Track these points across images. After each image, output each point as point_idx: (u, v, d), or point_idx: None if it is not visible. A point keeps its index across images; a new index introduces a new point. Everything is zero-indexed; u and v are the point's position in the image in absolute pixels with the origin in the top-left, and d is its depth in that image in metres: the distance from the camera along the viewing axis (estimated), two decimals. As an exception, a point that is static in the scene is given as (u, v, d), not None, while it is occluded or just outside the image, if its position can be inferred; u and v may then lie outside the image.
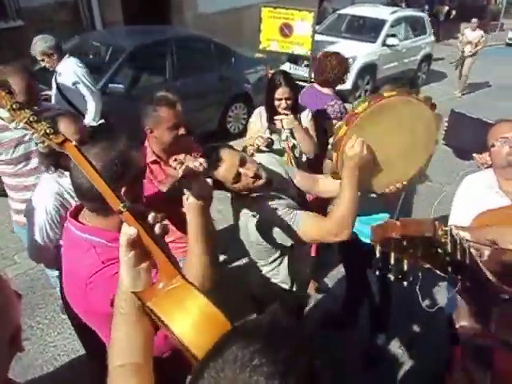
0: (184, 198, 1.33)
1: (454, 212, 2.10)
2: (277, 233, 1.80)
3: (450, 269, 0.83)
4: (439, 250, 0.82)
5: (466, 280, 0.86)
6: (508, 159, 1.92)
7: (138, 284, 0.95)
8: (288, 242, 1.83)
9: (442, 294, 0.99)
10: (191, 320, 0.84)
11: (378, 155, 1.67)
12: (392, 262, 1.04)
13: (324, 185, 2.07)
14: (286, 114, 2.77)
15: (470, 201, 2.01)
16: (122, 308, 0.98)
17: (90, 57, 6.11)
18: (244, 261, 3.16)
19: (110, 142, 1.39)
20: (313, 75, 3.48)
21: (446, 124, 2.46)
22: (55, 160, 1.98)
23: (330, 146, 1.72)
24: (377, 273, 1.30)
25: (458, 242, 0.84)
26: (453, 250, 0.82)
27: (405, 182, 1.80)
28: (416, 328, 3.22)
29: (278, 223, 1.78)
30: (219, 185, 1.80)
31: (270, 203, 1.84)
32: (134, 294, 0.93)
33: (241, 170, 1.77)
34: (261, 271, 2.06)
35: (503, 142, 1.93)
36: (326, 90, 3.40)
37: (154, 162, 2.31)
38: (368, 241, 2.48)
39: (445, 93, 9.36)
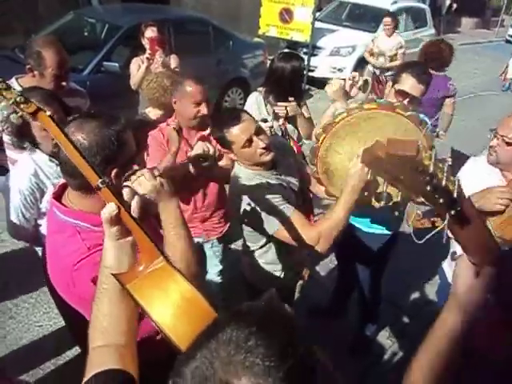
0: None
1: None
2: (261, 220, 1.76)
3: (428, 188, 0.80)
4: (425, 177, 0.80)
5: (451, 212, 0.83)
6: (489, 158, 1.95)
7: (122, 259, 0.91)
8: (267, 233, 1.80)
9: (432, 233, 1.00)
10: (172, 307, 0.80)
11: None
12: (384, 188, 1.03)
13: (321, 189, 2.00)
14: (289, 101, 2.73)
15: (472, 179, 2.01)
16: (105, 283, 0.93)
17: (85, 34, 5.98)
18: (238, 244, 3.13)
19: (108, 119, 1.31)
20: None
21: (449, 161, 2.47)
22: (28, 138, 1.93)
23: (309, 154, 1.70)
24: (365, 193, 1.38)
25: (447, 175, 0.82)
26: (436, 173, 0.80)
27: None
28: (405, 319, 3.23)
29: (266, 210, 1.74)
30: (225, 144, 1.80)
31: (267, 186, 1.81)
32: (113, 276, 0.88)
33: (255, 137, 1.75)
34: (252, 255, 2.03)
35: (494, 135, 1.94)
36: (441, 73, 3.74)
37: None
38: (363, 234, 2.51)
39: (443, 87, 9.32)
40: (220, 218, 2.57)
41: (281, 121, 2.78)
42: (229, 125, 1.75)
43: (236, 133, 1.74)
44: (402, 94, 2.23)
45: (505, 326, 0.96)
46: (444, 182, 0.79)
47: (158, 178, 1.22)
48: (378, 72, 6.12)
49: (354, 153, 1.56)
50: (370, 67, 6.32)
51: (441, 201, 0.80)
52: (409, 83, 2.22)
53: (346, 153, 1.60)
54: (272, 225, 1.75)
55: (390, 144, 0.87)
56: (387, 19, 6.12)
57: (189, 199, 2.39)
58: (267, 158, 1.80)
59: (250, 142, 1.75)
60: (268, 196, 1.75)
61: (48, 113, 0.90)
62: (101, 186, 0.87)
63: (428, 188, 0.79)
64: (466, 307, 0.92)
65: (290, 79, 2.76)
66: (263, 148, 1.76)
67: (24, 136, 1.93)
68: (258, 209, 1.75)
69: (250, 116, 1.83)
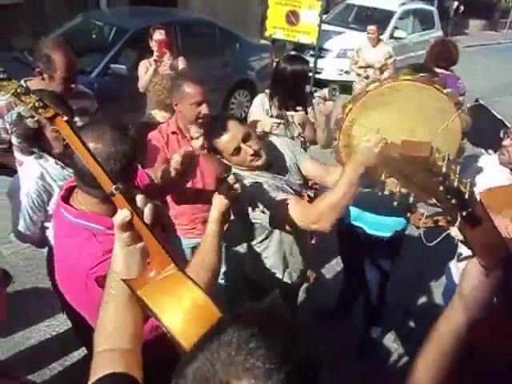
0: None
1: None
2: (258, 210, 1.76)
3: (441, 188, 0.80)
4: (438, 178, 0.80)
5: (462, 213, 0.82)
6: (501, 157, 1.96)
7: (132, 265, 0.92)
8: (267, 223, 1.79)
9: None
10: (183, 313, 0.81)
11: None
12: (397, 189, 1.03)
13: (335, 178, 1.92)
14: (297, 110, 2.74)
15: (481, 177, 2.01)
16: (113, 289, 0.94)
17: (93, 36, 6.02)
18: (243, 246, 3.14)
19: (121, 125, 1.32)
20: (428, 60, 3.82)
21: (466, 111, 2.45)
22: (37, 142, 1.94)
23: (333, 125, 1.60)
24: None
25: (457, 177, 0.82)
26: (448, 174, 0.80)
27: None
28: (411, 323, 3.21)
29: (261, 200, 1.74)
30: (217, 152, 1.83)
31: (261, 183, 1.82)
32: (123, 282, 0.89)
33: (242, 145, 1.77)
34: (253, 250, 2.04)
35: (507, 135, 1.95)
36: (450, 73, 3.76)
37: (174, 132, 2.39)
38: (369, 233, 2.50)
39: (450, 89, 9.26)
40: None
41: (296, 132, 2.79)
42: (216, 134, 1.77)
43: (223, 142, 1.77)
44: None
45: (509, 327, 0.95)
46: (456, 184, 0.80)
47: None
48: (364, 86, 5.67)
49: (383, 127, 1.44)
50: (356, 83, 5.60)
51: (453, 201, 0.80)
52: None
53: (373, 125, 1.45)
54: (267, 218, 1.77)
55: (404, 145, 0.88)
56: (371, 27, 5.50)
57: (191, 200, 2.40)
58: (257, 163, 1.82)
59: (238, 149, 1.77)
60: (263, 190, 1.77)
61: (65, 118, 0.91)
62: (115, 192, 0.87)
63: (441, 188, 0.79)
64: (471, 306, 0.92)
65: (294, 82, 2.77)
66: (252, 155, 1.78)
67: (33, 141, 1.95)
68: (256, 204, 1.76)
69: (239, 123, 1.83)
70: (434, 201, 0.87)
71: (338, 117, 1.51)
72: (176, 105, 2.36)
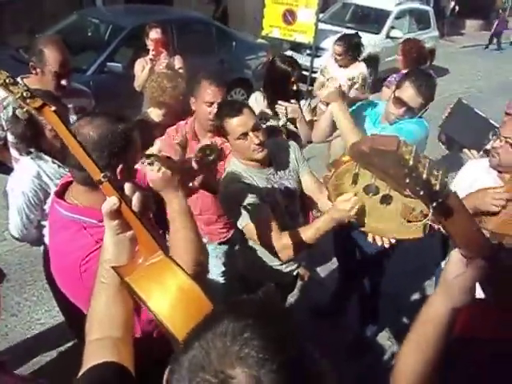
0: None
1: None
2: (235, 211, 1.81)
3: (407, 180, 0.82)
4: (406, 170, 0.82)
5: (433, 204, 0.85)
6: (491, 160, 1.97)
7: (122, 253, 0.93)
8: (240, 224, 1.83)
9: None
10: (170, 298, 0.82)
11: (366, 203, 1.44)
12: (372, 180, 1.05)
13: (325, 201, 1.82)
14: (291, 102, 2.75)
15: (468, 178, 2.04)
16: (104, 277, 0.95)
17: (89, 34, 6.01)
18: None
19: (117, 116, 1.34)
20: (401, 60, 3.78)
21: (448, 111, 2.43)
22: (35, 142, 1.94)
23: (330, 164, 1.50)
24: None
25: (429, 167, 0.83)
26: (416, 167, 0.82)
27: (392, 240, 1.52)
28: (405, 320, 3.22)
29: (242, 205, 1.78)
30: (223, 133, 1.87)
31: (249, 183, 1.84)
32: (113, 269, 0.90)
33: (251, 133, 1.79)
34: (244, 247, 2.06)
35: (497, 136, 1.97)
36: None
37: (187, 132, 2.43)
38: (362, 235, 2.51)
39: (447, 89, 9.31)
40: (226, 224, 2.56)
41: (281, 122, 2.80)
42: (228, 115, 1.80)
43: (233, 124, 1.79)
44: (399, 101, 2.16)
45: (494, 315, 0.97)
46: (425, 176, 0.82)
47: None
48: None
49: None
50: (321, 105, 3.90)
51: (421, 193, 0.83)
52: (408, 92, 2.13)
53: (362, 184, 1.38)
54: (242, 219, 1.80)
55: (372, 139, 0.90)
56: (337, 48, 4.11)
57: (195, 201, 2.38)
58: (259, 155, 1.83)
59: (245, 135, 1.80)
60: (246, 192, 1.79)
61: (53, 108, 0.91)
62: (103, 180, 0.88)
63: (407, 180, 0.82)
64: (454, 295, 0.94)
65: (281, 82, 2.80)
66: (257, 144, 1.80)
67: (31, 141, 1.95)
68: (236, 201, 1.79)
69: (252, 112, 1.85)
70: (409, 192, 0.90)
71: (337, 159, 1.43)
72: (194, 103, 2.39)
